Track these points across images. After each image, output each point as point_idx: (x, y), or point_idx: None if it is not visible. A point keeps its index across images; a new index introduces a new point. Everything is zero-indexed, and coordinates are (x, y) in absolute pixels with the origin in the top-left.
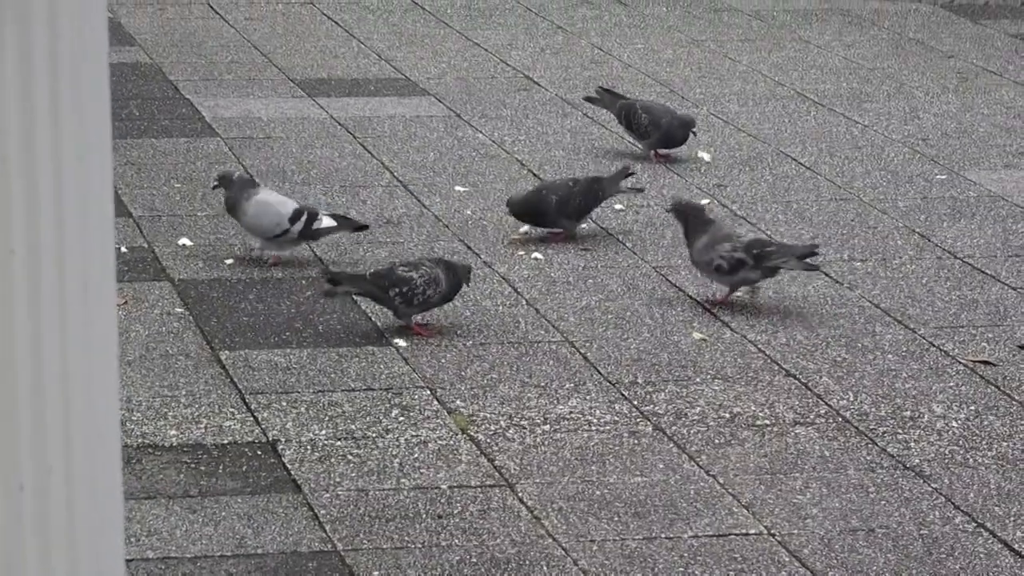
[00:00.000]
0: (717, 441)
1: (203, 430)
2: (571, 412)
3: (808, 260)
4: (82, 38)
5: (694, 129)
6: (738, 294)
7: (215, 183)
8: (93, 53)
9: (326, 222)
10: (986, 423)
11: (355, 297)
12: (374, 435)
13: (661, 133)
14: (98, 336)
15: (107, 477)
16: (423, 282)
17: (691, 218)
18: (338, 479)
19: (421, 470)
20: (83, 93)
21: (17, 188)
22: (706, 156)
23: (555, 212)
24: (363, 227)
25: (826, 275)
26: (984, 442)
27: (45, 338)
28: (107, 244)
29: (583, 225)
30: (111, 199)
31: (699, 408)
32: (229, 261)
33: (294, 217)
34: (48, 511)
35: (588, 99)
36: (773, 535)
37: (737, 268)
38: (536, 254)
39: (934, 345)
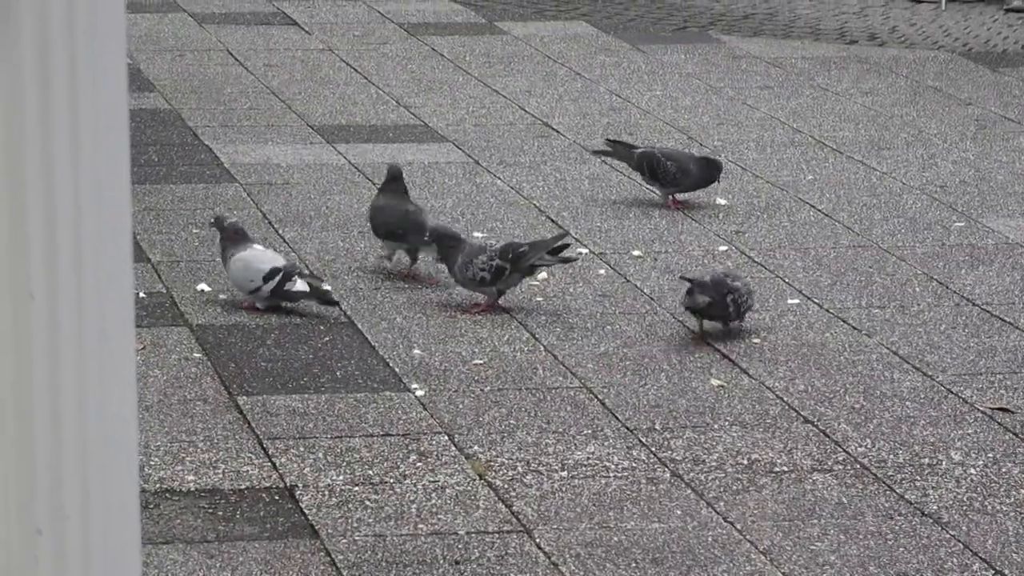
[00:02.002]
0: (735, 488)
1: (221, 475)
2: (589, 458)
3: (563, 254)
4: (102, 85)
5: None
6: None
7: (211, 222)
8: (112, 100)
9: (299, 286)
10: (1004, 470)
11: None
12: (392, 480)
13: (692, 178)
14: (117, 381)
15: (125, 523)
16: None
17: (447, 245)
18: (356, 524)
19: (439, 516)
20: (103, 139)
21: (36, 234)
22: (722, 201)
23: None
24: (333, 303)
25: (844, 322)
26: (1002, 489)
27: (64, 383)
28: (126, 289)
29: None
30: (130, 244)
31: (717, 454)
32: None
33: (268, 276)
34: (65, 556)
35: (597, 152)
36: None
37: (499, 276)
38: (539, 297)
39: (952, 392)
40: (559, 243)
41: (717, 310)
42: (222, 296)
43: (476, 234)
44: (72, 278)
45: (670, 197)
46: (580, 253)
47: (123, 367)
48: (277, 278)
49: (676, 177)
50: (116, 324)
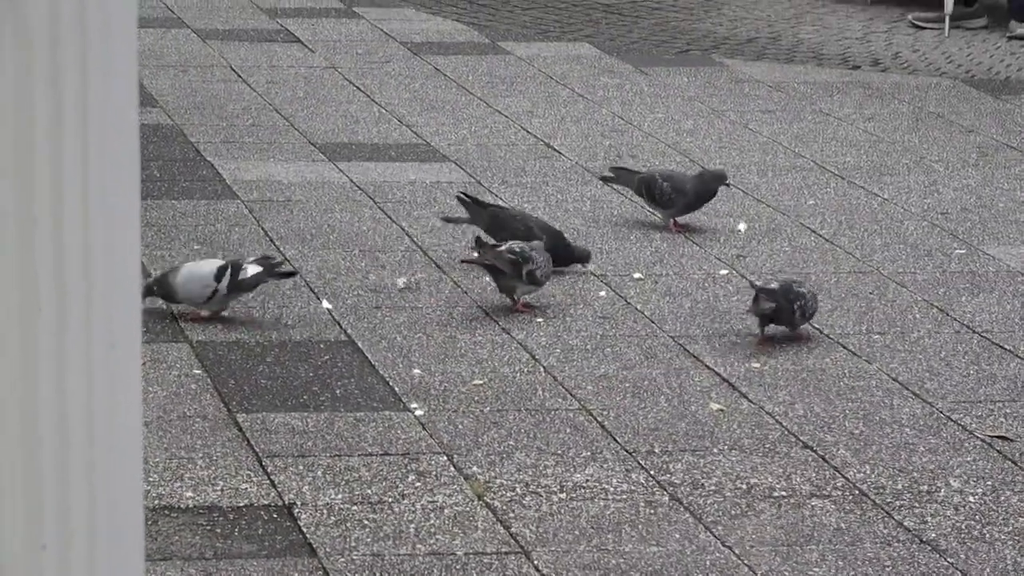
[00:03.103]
0: (733, 512)
1: (219, 492)
2: (588, 480)
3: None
4: (112, 99)
5: (727, 182)
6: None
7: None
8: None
9: (251, 270)
10: (1003, 498)
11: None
12: (390, 500)
13: (687, 198)
14: (124, 396)
15: (130, 538)
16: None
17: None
18: (354, 544)
19: (437, 536)
20: (113, 151)
21: (44, 247)
22: (742, 227)
23: None
24: (290, 274)
25: (844, 348)
26: (1001, 517)
27: (70, 396)
28: (134, 302)
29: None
30: (138, 259)
31: (716, 479)
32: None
33: (218, 275)
34: (70, 571)
35: (604, 179)
36: None
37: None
38: (539, 319)
39: (952, 420)
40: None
41: (784, 316)
42: (224, 312)
43: (476, 254)
44: (81, 290)
45: (671, 221)
46: (584, 271)
47: (130, 381)
48: (228, 272)
49: (672, 198)
50: (124, 337)
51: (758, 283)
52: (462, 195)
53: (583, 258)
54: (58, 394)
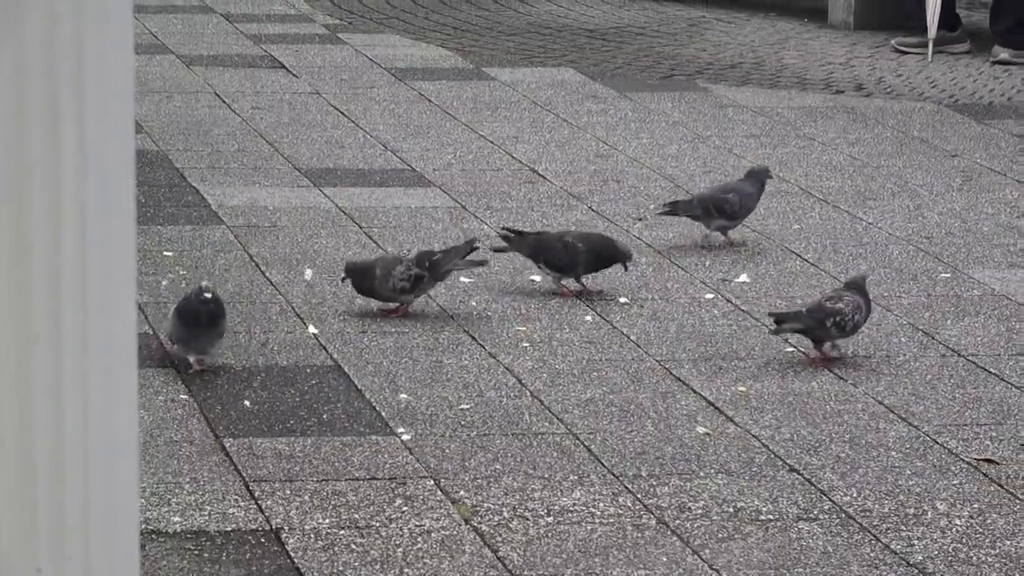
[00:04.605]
0: (720, 535)
1: (207, 517)
2: (575, 504)
3: (470, 257)
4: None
5: (770, 176)
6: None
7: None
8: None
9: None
10: (989, 521)
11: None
12: (378, 524)
13: (752, 205)
14: (120, 421)
15: (125, 563)
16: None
17: (358, 275)
18: (341, 568)
19: (424, 560)
20: (109, 180)
21: (40, 273)
22: (746, 278)
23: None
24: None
25: (830, 371)
26: (987, 540)
27: (67, 422)
28: (130, 329)
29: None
30: (134, 284)
31: (702, 502)
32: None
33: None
34: None
35: (662, 214)
36: None
37: (418, 283)
38: (525, 343)
39: (938, 443)
40: (470, 249)
41: (815, 334)
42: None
43: (463, 279)
44: (77, 315)
45: (727, 234)
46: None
47: (126, 407)
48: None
49: (738, 210)
50: (119, 363)
51: (777, 312)
52: (505, 229)
53: (625, 257)
54: (54, 418)
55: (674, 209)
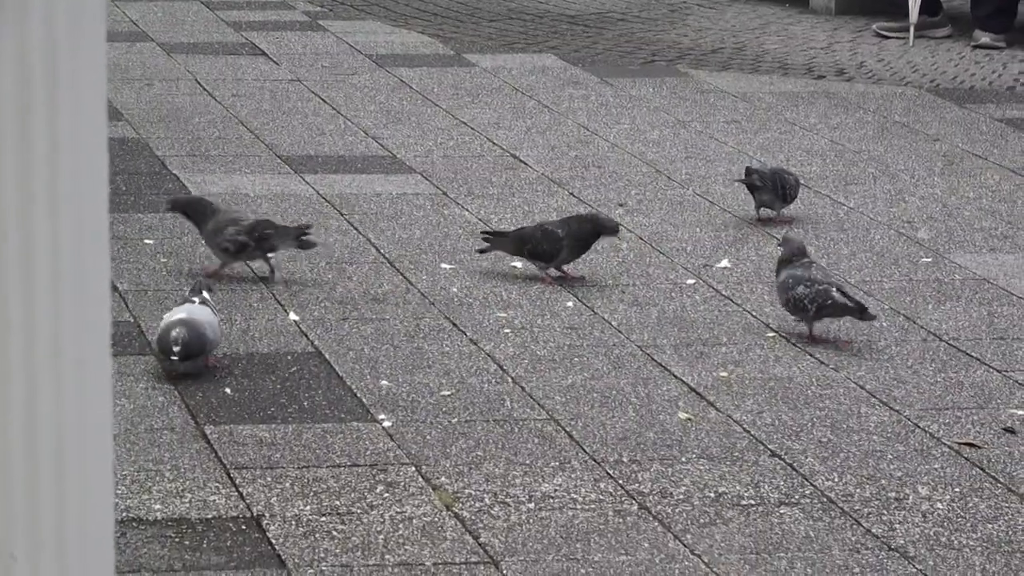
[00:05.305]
0: (702, 520)
1: (187, 504)
2: (556, 490)
3: (303, 238)
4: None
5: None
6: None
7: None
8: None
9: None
10: (971, 505)
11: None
12: (359, 511)
13: (795, 187)
14: (94, 409)
15: (100, 550)
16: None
17: (193, 211)
18: (322, 555)
19: (405, 546)
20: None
21: (12, 262)
22: (727, 263)
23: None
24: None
25: (811, 356)
26: (969, 524)
27: (40, 410)
28: (103, 319)
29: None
30: (107, 274)
31: (684, 487)
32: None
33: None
34: None
35: (740, 181)
36: None
37: (242, 250)
38: (507, 329)
39: (919, 427)
40: (302, 234)
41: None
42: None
43: (444, 265)
44: (50, 305)
45: (781, 212)
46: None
47: (100, 395)
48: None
49: (795, 193)
50: (93, 352)
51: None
52: (485, 234)
53: (610, 230)
54: (28, 408)
55: (748, 181)
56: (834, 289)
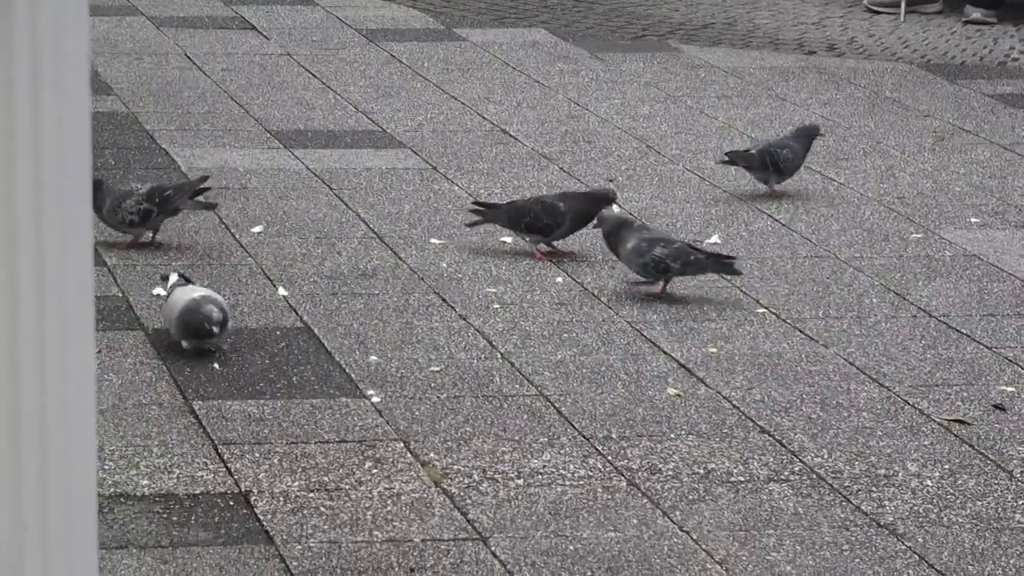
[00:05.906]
0: (691, 497)
1: (175, 480)
2: (545, 466)
3: (200, 199)
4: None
5: (821, 132)
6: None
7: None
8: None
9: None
10: (960, 482)
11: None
12: (347, 487)
13: (799, 160)
14: (77, 387)
15: (83, 530)
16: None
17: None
18: (310, 531)
19: (394, 523)
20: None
21: None
22: (717, 239)
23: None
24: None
25: (801, 332)
26: (958, 501)
27: (23, 389)
28: (87, 294)
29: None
30: (90, 249)
31: (673, 464)
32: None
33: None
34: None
35: (723, 162)
36: None
37: (147, 217)
38: (496, 305)
39: (909, 404)
40: (201, 186)
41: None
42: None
43: (433, 240)
44: (33, 280)
45: (775, 186)
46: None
47: (83, 372)
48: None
49: (792, 164)
50: (76, 328)
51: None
52: (475, 204)
53: (607, 200)
54: (11, 384)
55: (732, 159)
56: (688, 246)
